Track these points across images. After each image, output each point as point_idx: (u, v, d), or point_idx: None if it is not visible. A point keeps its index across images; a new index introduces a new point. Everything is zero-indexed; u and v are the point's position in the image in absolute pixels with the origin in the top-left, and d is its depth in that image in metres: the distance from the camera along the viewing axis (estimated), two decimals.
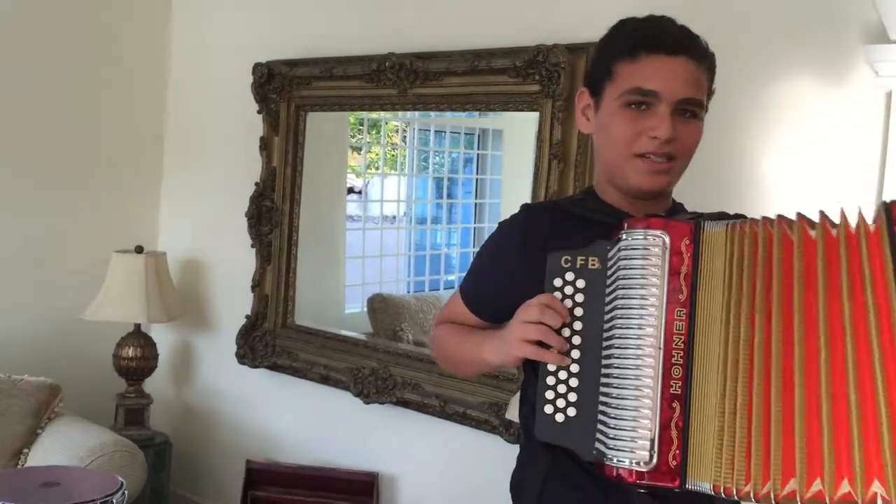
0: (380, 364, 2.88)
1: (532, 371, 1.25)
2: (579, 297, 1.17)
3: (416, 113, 3.28)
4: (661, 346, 1.10)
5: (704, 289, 1.11)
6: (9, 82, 3.22)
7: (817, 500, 1.02)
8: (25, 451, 2.68)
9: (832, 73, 2.02)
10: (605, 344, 1.14)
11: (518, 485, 1.35)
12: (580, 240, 1.19)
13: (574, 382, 1.16)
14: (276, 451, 3.18)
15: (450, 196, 3.64)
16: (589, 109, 1.33)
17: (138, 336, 3.30)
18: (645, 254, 1.12)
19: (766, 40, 2.12)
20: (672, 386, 1.10)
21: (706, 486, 1.09)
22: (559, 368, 1.17)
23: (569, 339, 1.16)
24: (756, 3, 2.12)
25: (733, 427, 1.07)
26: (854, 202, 1.94)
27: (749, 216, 1.34)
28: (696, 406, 1.09)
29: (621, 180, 1.28)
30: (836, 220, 1.09)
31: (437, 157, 3.65)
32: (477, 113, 3.19)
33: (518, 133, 2.74)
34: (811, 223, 1.09)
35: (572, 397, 1.16)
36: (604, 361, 1.14)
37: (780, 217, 1.12)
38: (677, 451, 1.09)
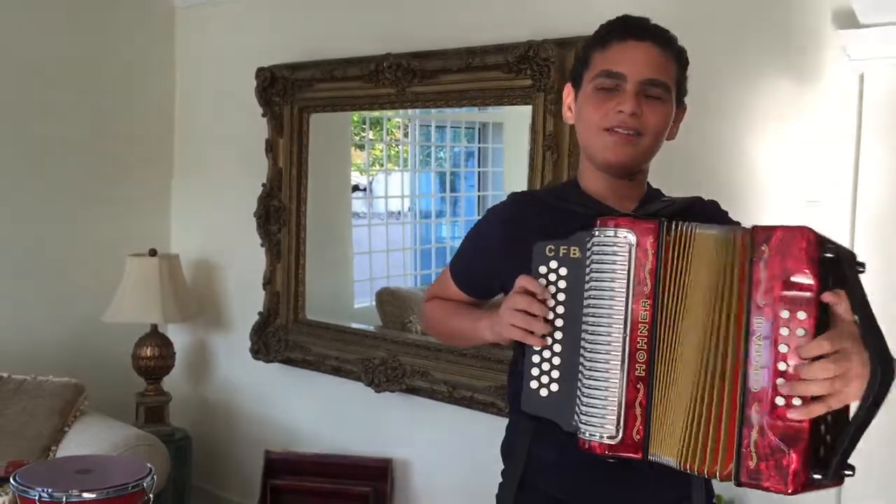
0: (389, 354, 2.99)
1: (521, 348, 1.37)
2: (562, 284, 1.29)
3: (417, 110, 3.37)
4: (628, 333, 1.23)
5: (667, 282, 1.23)
6: (23, 96, 3.34)
7: (727, 478, 1.17)
8: (53, 448, 2.80)
9: (809, 59, 2.11)
10: (583, 327, 1.27)
11: (508, 449, 1.48)
12: (559, 230, 1.31)
13: (557, 361, 1.29)
14: (293, 442, 3.30)
15: (453, 190, 3.72)
16: (573, 102, 1.45)
17: (155, 336, 3.42)
18: (615, 250, 1.24)
19: (742, 33, 2.21)
20: (637, 369, 1.23)
21: (670, 462, 1.22)
22: (543, 348, 1.30)
23: (552, 322, 1.29)
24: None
25: (691, 408, 1.20)
26: (834, 183, 2.03)
27: (719, 204, 1.46)
28: (659, 387, 1.23)
29: (593, 157, 1.40)
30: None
31: (440, 152, 3.73)
32: (476, 108, 3.28)
33: (518, 125, 2.82)
34: (747, 235, 1.19)
35: (555, 374, 1.29)
36: (582, 343, 1.26)
37: (720, 226, 1.25)
38: (640, 427, 1.23)
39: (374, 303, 3.36)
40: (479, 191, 3.59)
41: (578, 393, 1.26)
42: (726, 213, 1.46)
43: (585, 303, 1.26)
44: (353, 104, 3.17)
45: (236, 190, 3.49)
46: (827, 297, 1.12)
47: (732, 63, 2.22)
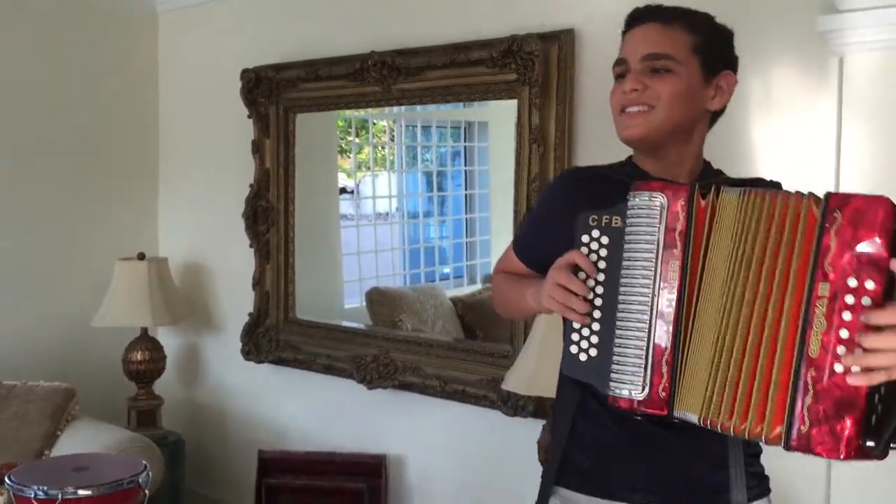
0: (380, 351, 3.00)
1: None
2: (603, 252, 1.33)
3: (403, 109, 3.39)
4: (657, 294, 1.27)
5: (698, 245, 1.26)
6: (7, 102, 3.33)
7: (775, 441, 1.18)
8: (46, 452, 2.79)
9: (789, 44, 2.14)
10: (619, 290, 1.31)
11: (552, 421, 1.56)
12: (608, 201, 1.35)
13: (596, 326, 1.33)
14: (287, 441, 3.30)
15: (440, 189, 3.74)
16: None
17: (145, 340, 3.41)
18: (648, 213, 1.28)
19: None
20: (665, 328, 1.27)
21: (693, 418, 1.25)
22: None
23: (593, 289, 1.33)
24: None
25: (718, 369, 1.23)
26: (816, 169, 2.06)
27: (769, 185, 1.47)
28: (685, 346, 1.26)
29: (621, 140, 1.46)
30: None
31: (426, 152, 3.75)
32: (462, 105, 3.30)
33: (503, 123, 2.84)
34: (816, 200, 1.20)
35: (594, 339, 1.33)
36: (618, 307, 1.30)
37: (777, 192, 1.25)
38: (666, 384, 1.26)
39: (364, 303, 3.37)
40: (465, 189, 3.61)
41: (614, 355, 1.30)
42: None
43: (623, 266, 1.30)
44: (338, 103, 3.18)
45: (223, 191, 3.49)
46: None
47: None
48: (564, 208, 1.45)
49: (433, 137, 3.69)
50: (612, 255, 1.32)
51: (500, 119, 3.32)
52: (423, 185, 3.76)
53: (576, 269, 1.33)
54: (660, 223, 1.27)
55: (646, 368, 1.27)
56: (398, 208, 3.73)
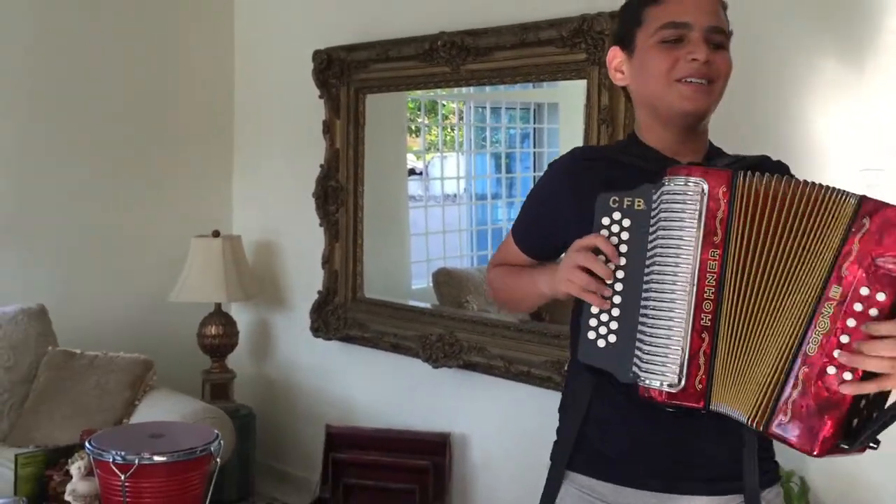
0: (446, 330, 3.02)
1: (580, 300, 1.36)
2: (625, 235, 1.28)
3: (472, 89, 3.38)
4: (696, 283, 1.22)
5: (738, 233, 1.22)
6: (86, 82, 3.46)
7: (757, 427, 1.20)
8: (126, 420, 2.91)
9: (865, 26, 2.07)
10: (645, 278, 1.26)
11: (569, 400, 1.47)
12: (623, 183, 1.30)
13: (616, 312, 1.28)
14: (353, 417, 3.36)
15: (508, 171, 3.73)
16: (622, 63, 1.44)
17: (219, 315, 3.52)
18: (685, 198, 1.23)
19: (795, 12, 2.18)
20: (703, 318, 1.22)
21: (729, 410, 1.23)
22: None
23: (613, 273, 1.28)
24: None
25: (758, 361, 1.20)
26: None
27: (788, 166, 1.44)
28: (724, 338, 1.23)
29: (666, 109, 1.37)
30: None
31: (495, 134, 3.74)
32: (532, 86, 3.28)
33: (573, 105, 2.81)
34: (848, 201, 1.18)
35: (613, 325, 1.28)
36: (643, 294, 1.26)
37: (814, 185, 1.22)
38: (703, 376, 1.23)
39: (430, 284, 3.40)
40: (534, 172, 3.59)
41: (639, 343, 1.26)
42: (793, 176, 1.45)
43: (650, 253, 1.25)
44: (408, 84, 3.20)
45: (295, 171, 3.56)
46: None
47: (789, 30, 2.18)
48: (568, 193, 1.42)
49: (502, 118, 3.68)
50: (635, 238, 1.27)
51: (570, 101, 3.29)
52: (491, 167, 3.76)
53: (595, 251, 1.29)
54: (700, 209, 1.22)
55: (683, 359, 1.22)
56: (466, 190, 3.74)
